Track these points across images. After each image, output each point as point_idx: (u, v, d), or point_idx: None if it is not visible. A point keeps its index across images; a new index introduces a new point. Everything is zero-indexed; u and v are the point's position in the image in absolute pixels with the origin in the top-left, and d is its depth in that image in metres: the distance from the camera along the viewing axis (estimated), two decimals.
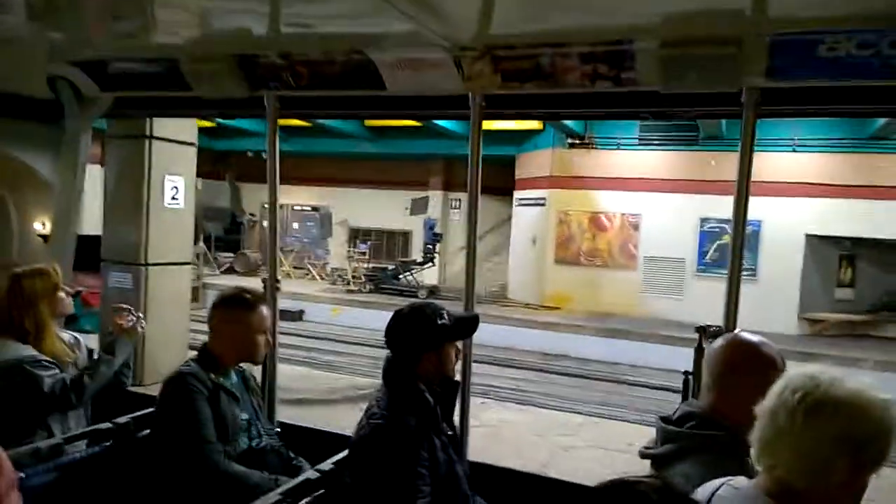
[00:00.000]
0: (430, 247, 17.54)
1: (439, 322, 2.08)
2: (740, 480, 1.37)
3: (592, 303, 14.56)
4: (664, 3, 2.13)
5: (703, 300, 11.73)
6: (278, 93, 2.84)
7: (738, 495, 1.33)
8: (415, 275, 17.31)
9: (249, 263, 19.27)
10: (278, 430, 2.78)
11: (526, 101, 2.56)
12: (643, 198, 14.42)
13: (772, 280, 13.21)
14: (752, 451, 1.30)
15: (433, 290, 16.11)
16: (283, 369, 3.20)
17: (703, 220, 13.86)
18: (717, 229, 13.67)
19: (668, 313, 13.39)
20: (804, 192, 13.20)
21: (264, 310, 2.49)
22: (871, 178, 12.74)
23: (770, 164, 12.99)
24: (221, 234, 20.89)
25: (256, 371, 2.75)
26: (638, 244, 14.63)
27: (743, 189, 2.24)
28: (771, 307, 12.69)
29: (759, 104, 2.14)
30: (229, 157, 20.53)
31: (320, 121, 15.13)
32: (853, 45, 1.92)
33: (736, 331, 2.00)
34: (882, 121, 11.38)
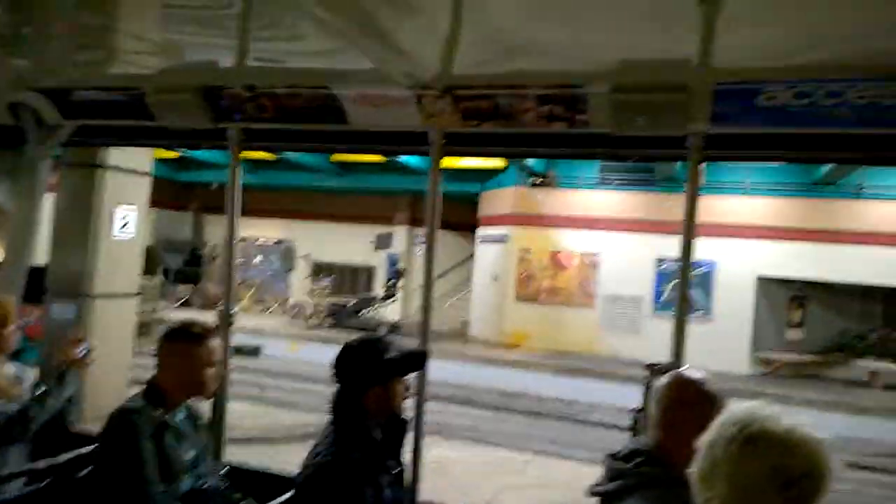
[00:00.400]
0: (393, 282, 17.52)
1: (386, 356, 2.07)
2: None
3: (552, 340, 14.66)
4: (615, 52, 2.25)
5: (661, 338, 11.93)
6: (242, 125, 2.87)
7: None
8: (377, 310, 17.22)
9: (208, 297, 18.91)
10: (225, 469, 2.71)
11: (485, 140, 2.64)
12: (602, 237, 14.73)
13: (725, 320, 13.56)
14: (692, 484, 1.33)
15: (395, 326, 16.03)
16: (234, 407, 3.14)
17: (660, 260, 14.20)
18: (673, 269, 14.01)
19: (627, 351, 13.57)
20: (757, 234, 13.67)
21: (214, 343, 2.44)
22: (819, 222, 13.28)
23: (724, 207, 13.49)
24: (181, 266, 20.50)
25: (207, 407, 2.70)
26: (597, 283, 14.87)
27: (689, 230, 2.33)
28: (725, 347, 13.04)
29: (703, 149, 2.25)
30: (193, 189, 20.31)
31: (286, 154, 15.14)
32: (791, 95, 2.05)
33: (681, 368, 2.06)
34: (828, 167, 11.92)
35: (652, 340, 13.09)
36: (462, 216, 16.46)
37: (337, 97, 2.62)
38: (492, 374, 12.31)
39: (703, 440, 1.32)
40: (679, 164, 12.74)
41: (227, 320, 2.93)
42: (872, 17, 1.88)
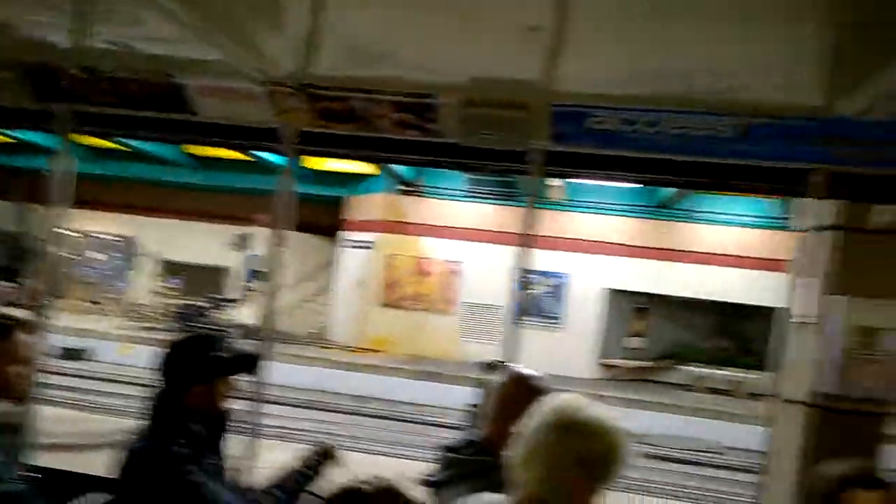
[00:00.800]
0: (250, 284, 16.84)
1: (214, 354, 2.02)
2: (495, 497, 1.50)
3: (414, 346, 14.82)
4: (466, 67, 2.36)
5: (515, 346, 12.46)
6: (73, 107, 2.65)
7: None
8: (230, 313, 16.43)
9: (34, 294, 17.05)
10: (35, 475, 2.48)
11: (339, 141, 2.63)
12: (467, 247, 15.13)
13: (576, 328, 14.47)
14: (511, 468, 1.43)
15: (248, 330, 15.35)
16: (49, 411, 2.88)
17: (518, 271, 14.82)
18: (531, 279, 14.71)
19: (485, 357, 13.99)
20: (606, 250, 14.73)
21: (21, 339, 2.23)
22: (659, 241, 14.58)
23: (578, 224, 14.45)
24: (2, 261, 18.38)
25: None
26: (459, 290, 15.25)
27: (527, 240, 2.48)
28: (574, 353, 13.92)
29: (543, 164, 2.41)
30: (21, 176, 18.29)
31: (136, 144, 14.11)
32: (617, 121, 2.25)
33: (512, 366, 2.19)
34: (668, 190, 13.12)
35: (505, 347, 13.59)
36: (327, 219, 16.22)
37: (182, 86, 2.50)
38: (349, 378, 12.23)
39: (524, 427, 1.44)
40: (541, 180, 13.45)
41: (42, 317, 2.69)
42: (684, 60, 2.13)
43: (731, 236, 14.37)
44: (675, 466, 8.74)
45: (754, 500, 3.40)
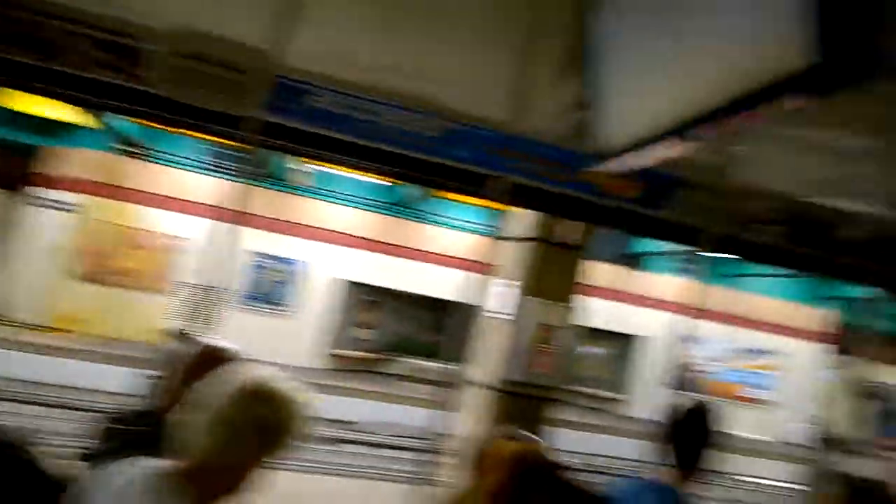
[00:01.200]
0: None
1: None
2: (158, 462, 1.46)
3: (116, 326, 13.22)
4: (179, 15, 2.12)
5: (240, 332, 11.91)
6: None
7: (150, 475, 1.42)
8: None
9: None
10: None
11: (13, 69, 2.18)
12: (194, 222, 13.99)
13: (308, 317, 14.38)
14: (183, 433, 1.43)
15: None
16: None
17: (251, 254, 14.22)
18: (264, 264, 14.22)
19: (172, 327, 12.93)
20: (345, 241, 14.91)
21: None
22: (395, 238, 15.22)
23: (322, 213, 14.40)
24: None
25: None
26: (177, 269, 14.04)
27: (238, 217, 2.34)
28: (304, 342, 13.85)
29: (259, 134, 2.27)
30: None
31: None
32: (337, 103, 2.23)
33: (200, 336, 2.08)
34: (408, 190, 13.75)
35: (229, 332, 12.90)
36: (16, 171, 13.62)
37: None
38: (17, 360, 10.43)
39: (201, 395, 1.46)
40: (276, 160, 13.10)
41: None
42: (406, 57, 2.20)
43: (458, 239, 15.63)
44: (386, 452, 9.18)
45: (443, 478, 3.68)
